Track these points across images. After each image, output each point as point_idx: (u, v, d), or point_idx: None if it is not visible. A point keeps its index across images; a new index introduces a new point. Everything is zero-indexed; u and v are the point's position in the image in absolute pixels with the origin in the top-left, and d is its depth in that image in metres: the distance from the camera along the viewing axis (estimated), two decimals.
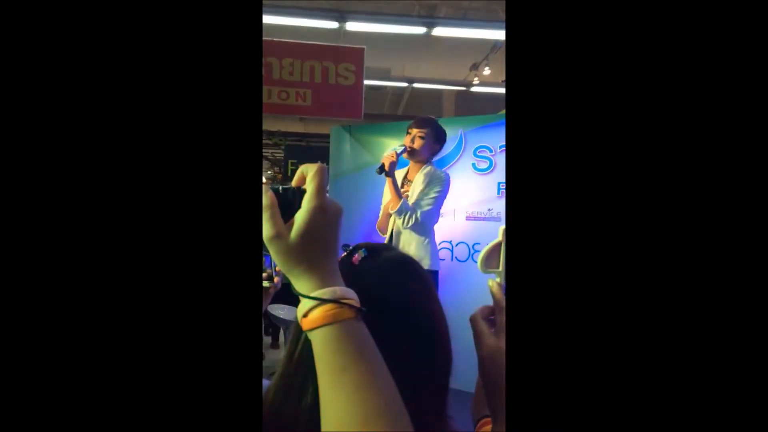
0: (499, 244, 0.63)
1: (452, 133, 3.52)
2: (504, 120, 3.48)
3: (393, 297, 0.62)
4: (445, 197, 2.60)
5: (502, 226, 0.60)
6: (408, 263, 0.69)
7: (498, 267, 0.61)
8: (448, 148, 3.53)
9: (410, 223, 2.47)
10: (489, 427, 0.75)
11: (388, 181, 2.46)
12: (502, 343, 0.60)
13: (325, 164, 0.51)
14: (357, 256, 0.64)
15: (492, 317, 0.63)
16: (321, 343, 0.47)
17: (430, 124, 2.60)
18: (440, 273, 2.68)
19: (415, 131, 2.55)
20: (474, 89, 8.38)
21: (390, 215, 2.54)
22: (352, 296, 0.49)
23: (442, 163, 3.42)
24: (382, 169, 2.41)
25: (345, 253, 0.65)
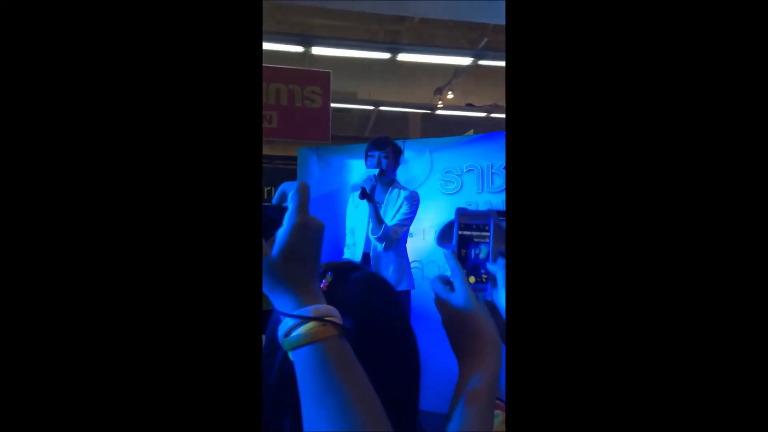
0: (451, 223, 0.70)
1: (421, 154, 3.56)
2: (469, 141, 3.55)
3: (362, 315, 0.61)
4: (414, 217, 2.62)
5: (458, 207, 0.70)
6: (375, 281, 0.68)
7: (451, 241, 0.69)
8: (417, 168, 3.57)
9: (390, 246, 2.48)
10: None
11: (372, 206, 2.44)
12: (460, 302, 0.64)
13: (306, 182, 0.51)
14: (325, 282, 0.63)
15: (448, 284, 0.67)
16: (304, 363, 0.46)
17: (388, 143, 2.63)
18: (411, 292, 2.68)
19: (377, 153, 2.57)
20: (438, 112, 8.54)
21: None
22: (334, 314, 0.48)
23: (412, 183, 3.44)
24: (364, 194, 2.38)
25: None
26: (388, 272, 2.52)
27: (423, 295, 3.13)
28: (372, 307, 0.63)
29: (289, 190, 0.50)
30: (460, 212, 0.69)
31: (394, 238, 2.48)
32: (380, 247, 2.51)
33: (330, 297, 0.52)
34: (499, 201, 3.36)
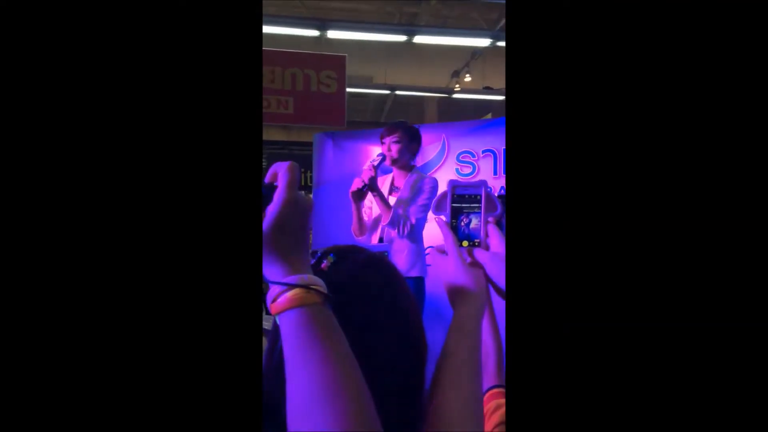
0: (444, 194, 0.74)
1: (436, 139, 3.54)
2: (486, 125, 3.52)
3: (360, 297, 0.62)
4: (431, 203, 2.60)
5: (450, 179, 0.75)
6: (377, 264, 0.68)
7: (446, 210, 0.74)
8: (432, 153, 3.55)
9: (405, 232, 2.46)
10: (501, 399, 0.79)
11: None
12: (450, 263, 0.70)
13: (296, 162, 0.54)
14: (326, 263, 0.63)
15: (444, 251, 0.73)
16: (288, 325, 0.48)
17: (400, 127, 2.58)
18: (426, 278, 2.68)
19: (388, 139, 2.55)
20: (456, 96, 8.44)
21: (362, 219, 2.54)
22: (319, 283, 0.51)
23: (427, 168, 3.42)
24: (365, 185, 2.38)
25: (314, 261, 0.64)
26: (402, 258, 2.52)
27: (435, 280, 3.13)
28: (371, 289, 0.64)
29: (279, 169, 0.54)
30: (453, 184, 0.74)
31: (405, 222, 2.46)
32: (395, 233, 2.50)
33: (328, 277, 0.54)
34: None
